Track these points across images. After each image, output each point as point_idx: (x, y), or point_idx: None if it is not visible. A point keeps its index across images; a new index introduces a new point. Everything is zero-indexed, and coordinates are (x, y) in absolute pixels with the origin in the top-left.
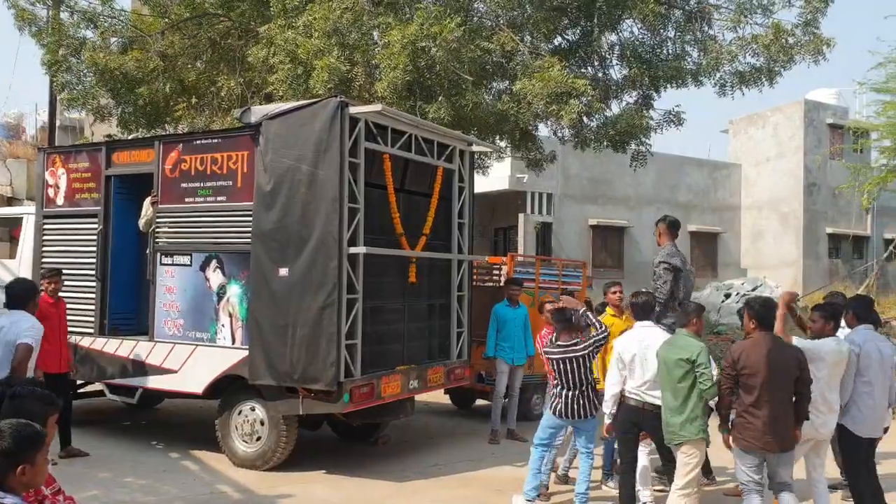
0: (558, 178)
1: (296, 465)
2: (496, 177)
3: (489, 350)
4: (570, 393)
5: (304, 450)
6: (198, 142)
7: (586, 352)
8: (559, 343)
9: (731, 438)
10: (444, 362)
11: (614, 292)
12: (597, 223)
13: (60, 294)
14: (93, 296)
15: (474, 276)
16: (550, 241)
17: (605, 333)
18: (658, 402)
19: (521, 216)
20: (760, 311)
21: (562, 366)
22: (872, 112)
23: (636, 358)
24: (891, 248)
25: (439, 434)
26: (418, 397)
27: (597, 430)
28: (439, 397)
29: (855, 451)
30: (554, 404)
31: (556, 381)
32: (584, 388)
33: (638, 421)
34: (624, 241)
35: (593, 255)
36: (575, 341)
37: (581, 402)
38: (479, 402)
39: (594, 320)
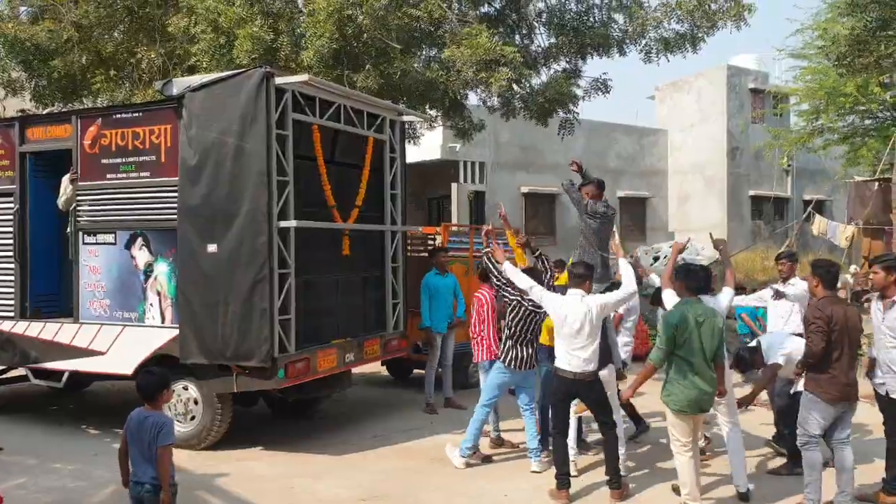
0: (490, 146)
1: (232, 443)
2: (429, 146)
3: (425, 320)
4: (526, 348)
5: (240, 427)
6: (118, 116)
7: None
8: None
9: (806, 392)
10: (379, 334)
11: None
12: (528, 191)
13: None
14: (12, 278)
15: (409, 247)
16: (484, 209)
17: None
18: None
19: (454, 185)
20: (825, 273)
21: (532, 318)
22: (791, 77)
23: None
24: (809, 208)
25: (378, 406)
26: (356, 370)
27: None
28: (377, 369)
29: None
30: (510, 356)
31: (514, 334)
32: (536, 342)
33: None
34: (555, 207)
35: (525, 222)
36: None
37: (533, 355)
38: (417, 371)
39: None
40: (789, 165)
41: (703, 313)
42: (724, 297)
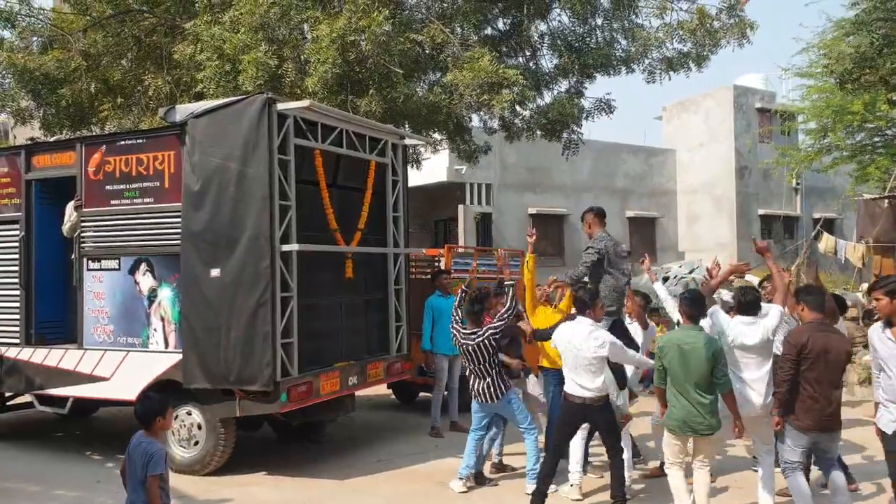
0: (496, 168)
1: (236, 468)
2: (435, 169)
3: (425, 343)
4: (481, 380)
5: (245, 452)
6: (122, 142)
7: (481, 340)
8: (464, 331)
9: (781, 421)
10: (383, 357)
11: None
12: (536, 212)
13: None
14: (17, 305)
15: (413, 269)
16: (491, 231)
17: (499, 324)
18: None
19: (460, 207)
20: (810, 299)
21: (467, 350)
22: (798, 96)
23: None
24: (817, 227)
25: (382, 429)
26: (361, 393)
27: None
28: (382, 392)
29: None
30: (472, 389)
31: (466, 367)
32: (490, 372)
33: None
34: (563, 228)
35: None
36: (474, 331)
37: (489, 385)
38: (423, 395)
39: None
40: (798, 184)
41: (691, 341)
42: (772, 319)
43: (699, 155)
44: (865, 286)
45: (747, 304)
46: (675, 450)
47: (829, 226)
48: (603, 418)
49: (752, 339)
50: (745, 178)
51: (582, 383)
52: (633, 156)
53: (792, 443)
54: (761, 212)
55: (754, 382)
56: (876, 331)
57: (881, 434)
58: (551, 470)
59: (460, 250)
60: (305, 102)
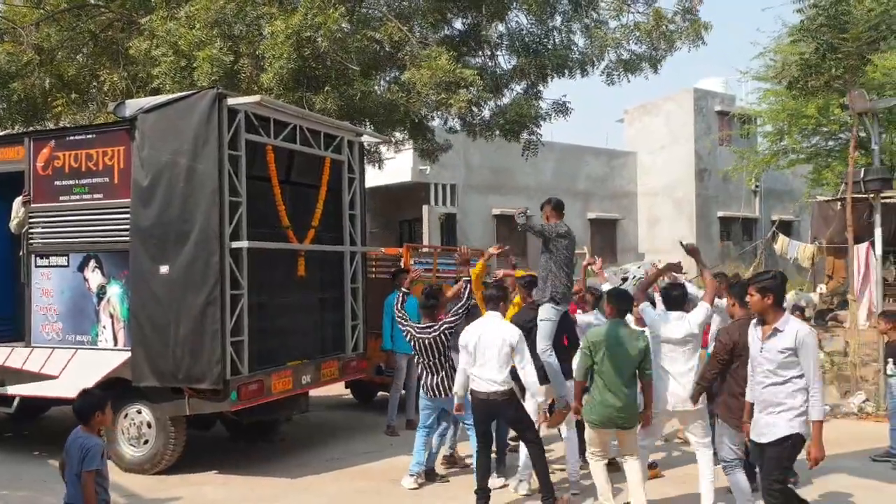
0: (461, 169)
1: (187, 467)
2: (399, 169)
3: (385, 342)
4: (433, 375)
5: (196, 451)
6: (71, 137)
7: (437, 334)
8: (419, 325)
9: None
10: (338, 356)
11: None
12: (500, 213)
13: None
14: None
15: (373, 269)
16: (455, 231)
17: (452, 318)
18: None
19: (425, 208)
20: (740, 291)
21: (420, 345)
22: (755, 99)
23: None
24: (773, 228)
25: (339, 428)
26: (319, 392)
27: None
28: (340, 392)
29: None
30: (422, 383)
31: (418, 362)
32: (442, 368)
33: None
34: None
35: (497, 243)
36: (430, 325)
37: (440, 381)
38: (382, 394)
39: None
40: (757, 186)
41: (622, 335)
42: (698, 314)
43: (660, 157)
44: (822, 287)
45: (672, 299)
46: (598, 440)
47: (787, 228)
48: (510, 413)
49: (678, 333)
50: (705, 181)
51: (491, 377)
52: (595, 158)
53: (729, 441)
54: (721, 214)
55: (680, 376)
56: (751, 329)
57: (751, 442)
58: (486, 465)
59: (423, 250)
60: (256, 98)
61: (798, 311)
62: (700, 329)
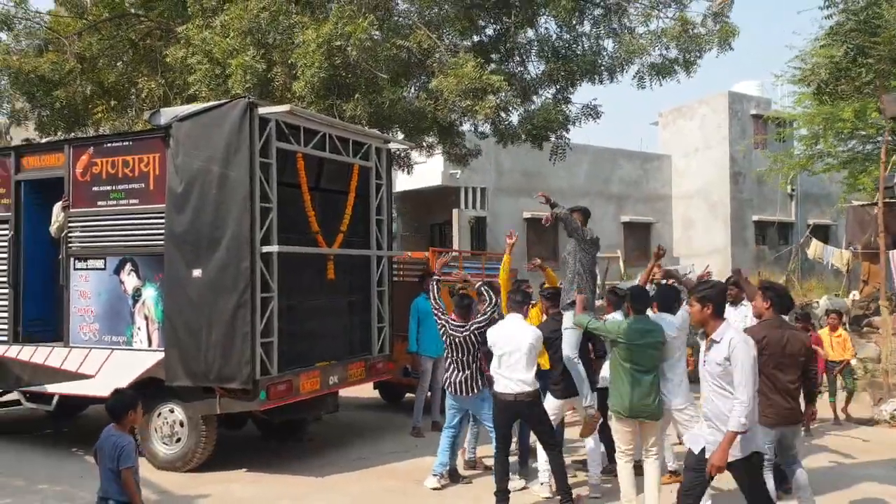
0: (491, 172)
1: (218, 465)
2: (430, 173)
3: (411, 344)
4: (460, 372)
5: (228, 449)
6: (109, 144)
7: (468, 333)
8: (454, 322)
9: None
10: (364, 357)
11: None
12: (531, 216)
13: None
14: (5, 303)
15: (399, 272)
16: (485, 235)
17: (482, 318)
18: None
19: (455, 211)
20: (776, 296)
21: (453, 342)
22: (791, 103)
23: None
24: (807, 233)
25: (367, 429)
26: (349, 393)
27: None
28: (370, 393)
29: None
30: (448, 381)
31: (446, 357)
32: (472, 366)
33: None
34: (558, 233)
35: (528, 248)
36: (463, 323)
37: (468, 379)
38: (410, 395)
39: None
40: (793, 190)
41: (645, 328)
42: (676, 316)
43: (695, 160)
44: (855, 293)
45: (660, 300)
46: (626, 437)
47: (824, 232)
48: (534, 415)
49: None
50: (740, 184)
51: (521, 378)
52: (628, 161)
53: (760, 440)
54: (756, 217)
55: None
56: (703, 340)
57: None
58: (504, 467)
59: (453, 254)
60: (286, 107)
61: (803, 319)
62: (678, 331)
